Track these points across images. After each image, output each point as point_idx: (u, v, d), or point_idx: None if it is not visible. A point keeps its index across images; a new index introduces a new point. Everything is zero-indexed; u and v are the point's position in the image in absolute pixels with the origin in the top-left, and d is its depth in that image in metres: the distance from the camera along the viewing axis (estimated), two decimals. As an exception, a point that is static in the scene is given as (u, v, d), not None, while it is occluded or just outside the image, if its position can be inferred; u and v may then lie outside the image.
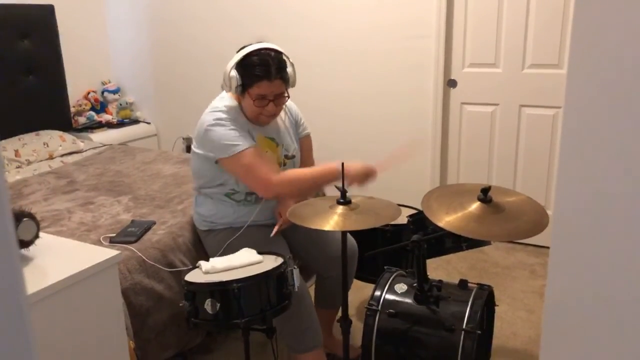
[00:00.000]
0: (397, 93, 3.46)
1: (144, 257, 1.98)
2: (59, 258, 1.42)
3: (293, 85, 1.97)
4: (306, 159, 2.21)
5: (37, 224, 1.41)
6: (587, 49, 0.73)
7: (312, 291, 2.20)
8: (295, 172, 1.95)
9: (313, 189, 1.97)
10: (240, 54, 1.90)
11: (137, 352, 1.80)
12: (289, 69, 1.93)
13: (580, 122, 0.76)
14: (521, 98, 3.18)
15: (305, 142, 2.20)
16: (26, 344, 0.34)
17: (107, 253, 1.44)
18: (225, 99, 2.01)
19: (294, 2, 3.64)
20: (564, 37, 3.00)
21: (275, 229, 1.98)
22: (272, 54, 1.90)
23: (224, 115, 1.94)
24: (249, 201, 2.03)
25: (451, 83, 3.35)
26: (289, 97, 1.98)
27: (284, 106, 2.11)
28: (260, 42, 1.94)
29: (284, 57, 1.93)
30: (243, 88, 1.90)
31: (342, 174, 1.72)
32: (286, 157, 2.07)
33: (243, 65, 1.88)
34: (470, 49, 3.25)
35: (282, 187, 1.91)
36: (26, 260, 1.40)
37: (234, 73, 1.88)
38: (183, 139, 4.30)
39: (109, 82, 4.45)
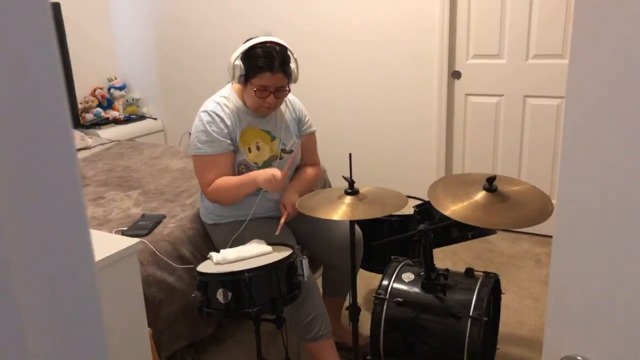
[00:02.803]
0: (402, 85, 3.48)
1: (155, 250, 2.02)
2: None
3: (295, 81, 2.02)
4: (309, 156, 2.25)
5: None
6: (589, 38, 0.75)
7: (319, 282, 2.23)
8: (224, 180, 2.00)
9: (239, 195, 2.02)
10: (246, 45, 1.95)
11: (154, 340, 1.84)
12: (292, 65, 1.98)
13: (582, 111, 0.78)
14: (525, 88, 3.20)
15: (308, 140, 2.23)
16: (98, 306, 0.38)
17: (128, 241, 1.48)
18: (227, 89, 2.10)
19: (298, -4, 3.66)
20: (567, 27, 3.01)
21: (281, 222, 2.00)
22: (277, 47, 1.94)
23: (217, 109, 2.02)
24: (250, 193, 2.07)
25: (455, 74, 3.36)
26: (289, 90, 2.02)
27: (287, 102, 2.15)
28: (267, 35, 1.98)
29: (289, 53, 1.97)
30: (246, 78, 1.96)
31: (350, 165, 1.75)
32: (283, 151, 2.11)
33: (248, 56, 1.94)
34: (474, 40, 3.26)
35: (212, 195, 2.03)
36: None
37: (238, 62, 1.94)
38: (189, 134, 4.33)
39: (115, 78, 4.49)
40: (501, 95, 3.28)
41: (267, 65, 1.91)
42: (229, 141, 2.01)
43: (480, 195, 1.62)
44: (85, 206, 0.39)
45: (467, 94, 3.37)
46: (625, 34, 0.71)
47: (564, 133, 0.82)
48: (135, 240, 1.51)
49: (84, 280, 0.38)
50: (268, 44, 1.94)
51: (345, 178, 1.75)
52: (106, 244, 1.47)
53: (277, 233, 1.96)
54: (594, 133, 0.77)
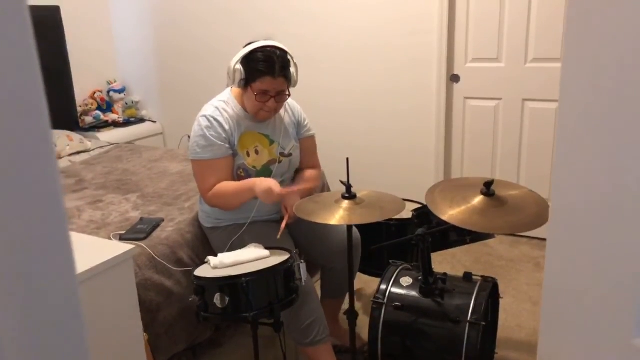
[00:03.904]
0: (401, 89, 3.49)
1: (153, 254, 2.02)
2: (75, 253, 1.46)
3: (294, 85, 2.02)
4: (308, 160, 2.24)
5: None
6: (581, 43, 0.75)
7: (317, 286, 2.23)
8: (223, 186, 2.00)
9: (237, 201, 2.02)
10: (247, 49, 1.95)
11: (151, 344, 1.84)
12: (292, 69, 1.98)
13: (576, 117, 0.78)
14: (524, 92, 3.20)
15: (308, 143, 2.23)
16: (77, 315, 0.37)
17: (123, 247, 1.48)
18: (226, 93, 2.10)
19: (298, 0, 3.66)
20: (566, 31, 3.01)
21: (282, 225, 1.99)
22: (278, 52, 1.94)
23: (216, 113, 2.02)
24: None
25: (454, 78, 3.36)
26: (289, 95, 2.02)
27: (286, 105, 2.16)
28: (267, 40, 1.98)
29: (289, 57, 1.98)
30: (246, 82, 1.96)
31: (347, 170, 1.75)
32: (282, 154, 2.11)
33: (248, 60, 1.94)
34: (473, 43, 3.26)
35: (212, 200, 2.03)
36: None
37: (238, 66, 1.94)
38: (189, 137, 4.33)
39: (115, 81, 4.49)
40: (500, 99, 3.28)
41: (268, 70, 1.92)
42: (227, 145, 2.01)
43: (478, 199, 1.62)
44: (66, 216, 0.38)
45: (465, 98, 3.37)
46: (617, 38, 0.71)
47: (557, 138, 0.82)
48: (131, 245, 1.51)
49: (64, 291, 0.38)
50: (268, 49, 1.94)
51: (342, 182, 1.75)
52: (101, 249, 1.47)
53: (278, 237, 1.95)
54: (587, 138, 0.77)
